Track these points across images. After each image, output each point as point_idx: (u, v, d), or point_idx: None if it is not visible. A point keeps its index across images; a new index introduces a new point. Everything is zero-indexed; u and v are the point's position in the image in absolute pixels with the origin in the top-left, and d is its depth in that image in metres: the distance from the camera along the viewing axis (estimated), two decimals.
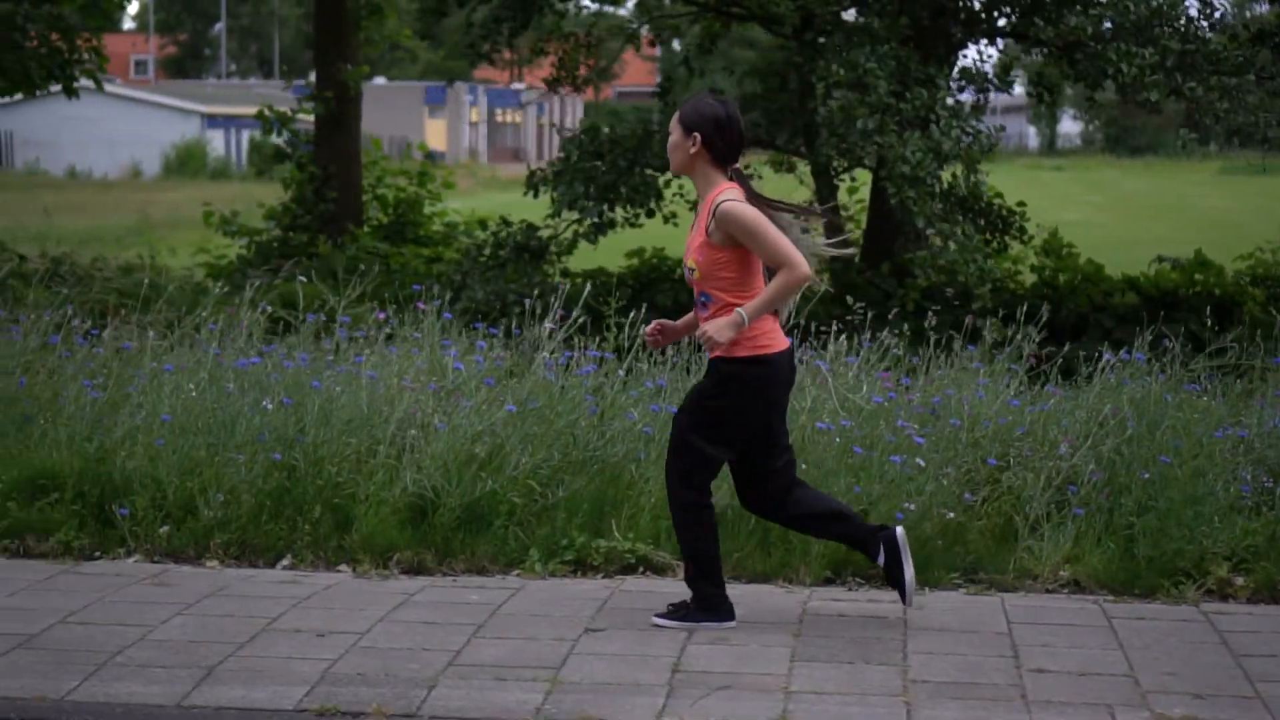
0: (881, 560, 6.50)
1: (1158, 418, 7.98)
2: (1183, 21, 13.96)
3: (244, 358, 8.38)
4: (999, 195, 15.49)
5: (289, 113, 19.53)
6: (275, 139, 19.92)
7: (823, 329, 8.79)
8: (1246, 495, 7.59)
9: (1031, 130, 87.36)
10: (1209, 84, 13.63)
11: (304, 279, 10.42)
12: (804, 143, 15.71)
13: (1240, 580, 7.09)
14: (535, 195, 15.53)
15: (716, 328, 6.22)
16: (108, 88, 20.44)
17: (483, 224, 18.69)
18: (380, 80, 63.94)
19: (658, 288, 15.34)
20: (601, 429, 8.01)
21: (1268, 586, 7.04)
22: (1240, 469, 7.72)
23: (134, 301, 9.95)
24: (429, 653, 6.09)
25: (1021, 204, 16.01)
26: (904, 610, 6.66)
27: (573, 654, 6.10)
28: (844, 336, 8.66)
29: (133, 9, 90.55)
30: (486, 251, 15.58)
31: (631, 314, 8.65)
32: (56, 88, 18.01)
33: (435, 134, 71.55)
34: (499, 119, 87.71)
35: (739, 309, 6.21)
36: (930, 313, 9.50)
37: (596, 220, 14.79)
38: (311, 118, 19.01)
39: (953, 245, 13.41)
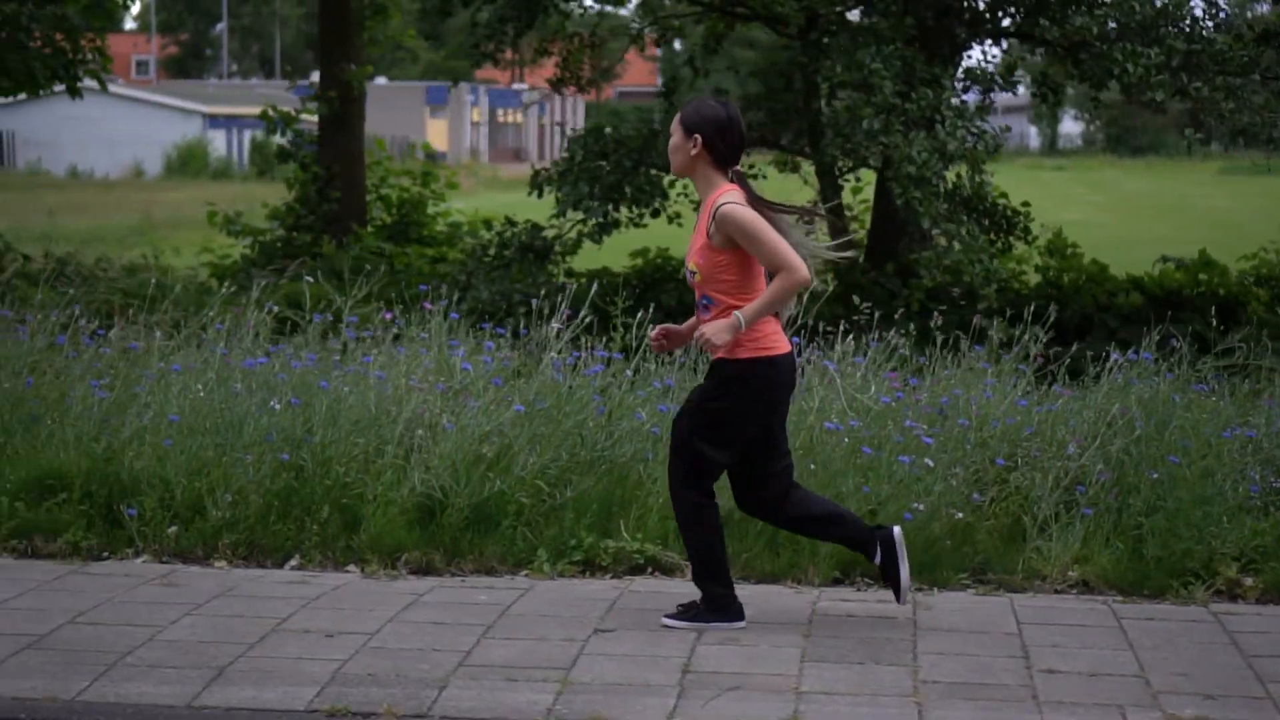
0: (878, 560, 6.51)
1: (1166, 418, 7.99)
2: (1188, 21, 13.95)
3: (251, 358, 8.38)
4: (1004, 195, 15.49)
5: (293, 113, 19.53)
6: (279, 139, 19.93)
7: (829, 329, 8.78)
8: (1255, 496, 7.59)
9: (1033, 130, 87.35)
10: (1214, 84, 13.62)
11: (309, 279, 10.42)
12: (808, 143, 15.70)
13: (1249, 581, 7.08)
14: (540, 195, 15.53)
15: (714, 330, 6.23)
16: (109, 88, 20.44)
17: (487, 224, 18.69)
18: (381, 80, 63.87)
19: (662, 288, 15.32)
20: (609, 429, 8.01)
21: (1277, 587, 7.03)
22: (1249, 469, 7.72)
23: (139, 301, 9.95)
24: (439, 653, 6.08)
25: (1026, 204, 16.01)
26: (912, 611, 6.66)
27: (583, 654, 6.10)
28: (851, 337, 8.66)
29: (134, 9, 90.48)
30: (491, 251, 15.57)
31: (639, 314, 8.65)
32: (59, 88, 18.02)
33: (437, 134, 71.56)
34: (500, 119, 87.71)
35: (736, 312, 6.21)
36: (936, 313, 9.50)
37: (601, 220, 14.78)
38: (315, 118, 19.02)
39: (957, 245, 13.40)
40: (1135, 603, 6.94)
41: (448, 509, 7.44)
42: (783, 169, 16.95)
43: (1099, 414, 8.00)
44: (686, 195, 15.28)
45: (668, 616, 6.49)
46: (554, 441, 7.80)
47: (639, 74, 69.88)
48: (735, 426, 6.35)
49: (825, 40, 14.74)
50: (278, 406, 7.92)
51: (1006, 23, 15.37)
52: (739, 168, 6.40)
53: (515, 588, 7.02)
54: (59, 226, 25.39)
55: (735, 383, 6.31)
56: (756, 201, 6.33)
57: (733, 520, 7.10)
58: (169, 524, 7.50)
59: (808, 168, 16.55)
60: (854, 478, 7.54)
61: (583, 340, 8.59)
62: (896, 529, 6.53)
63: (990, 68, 14.70)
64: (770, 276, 6.27)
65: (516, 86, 79.03)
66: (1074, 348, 9.29)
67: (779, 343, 6.35)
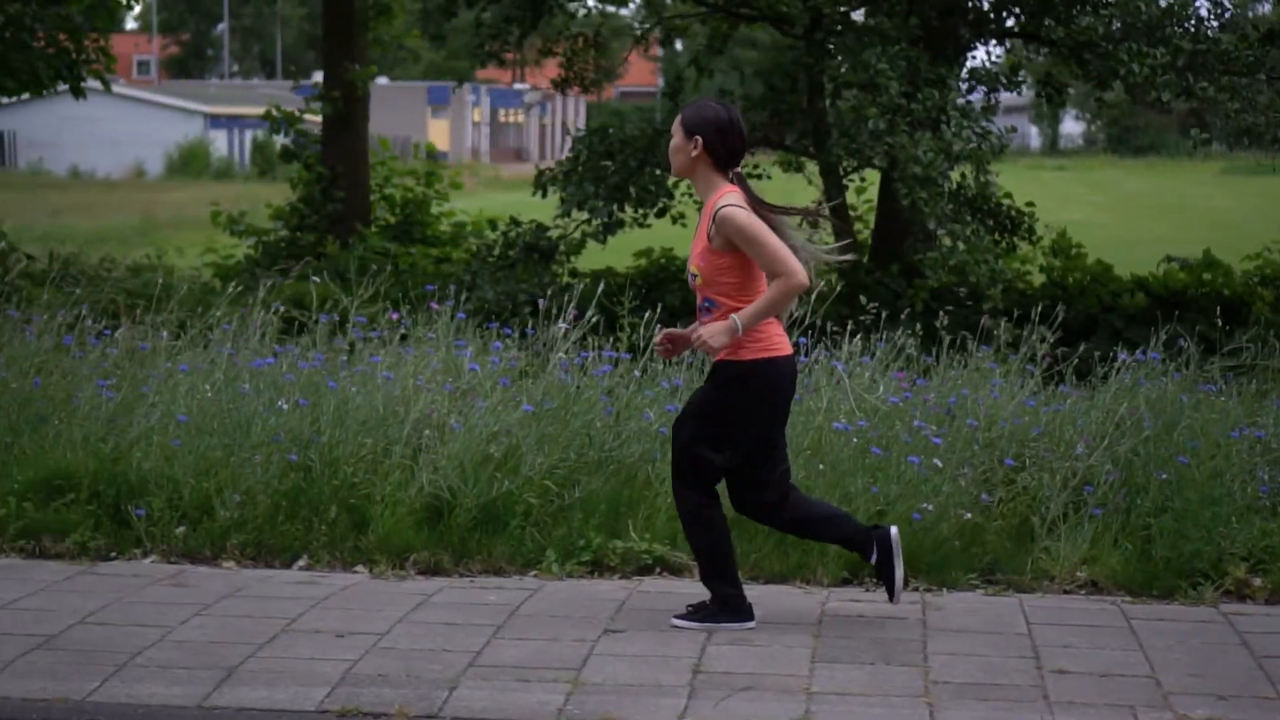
0: (874, 559, 6.51)
1: (1174, 418, 7.98)
2: (1193, 21, 13.94)
3: (258, 358, 8.38)
4: (1008, 195, 15.48)
5: (296, 113, 19.53)
6: (282, 139, 19.91)
7: (836, 330, 8.78)
8: (1264, 496, 7.59)
9: (1034, 130, 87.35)
10: (1219, 84, 13.61)
11: (315, 279, 10.41)
12: (813, 143, 15.68)
13: (1258, 581, 7.08)
14: (544, 195, 15.51)
15: (710, 332, 6.23)
16: (111, 87, 20.42)
17: (492, 224, 18.67)
18: (383, 80, 63.81)
19: (666, 288, 15.30)
20: (617, 429, 8.01)
21: None
22: (1257, 469, 7.71)
23: (145, 302, 9.93)
24: (450, 654, 6.08)
25: (1030, 204, 16.00)
26: (922, 611, 6.66)
27: (593, 655, 6.10)
28: (858, 337, 8.66)
29: (136, 8, 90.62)
30: (496, 251, 15.55)
31: (646, 314, 8.65)
32: (61, 88, 18.00)
33: (438, 134, 71.53)
34: (502, 119, 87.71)
35: (733, 315, 6.21)
36: (941, 313, 9.50)
37: (606, 220, 14.77)
38: (317, 118, 19.01)
39: (962, 246, 13.39)
40: (1144, 603, 6.94)
41: (456, 509, 7.44)
42: (787, 169, 16.94)
43: (1107, 414, 8.00)
44: (691, 196, 15.26)
45: (677, 617, 6.48)
46: (562, 442, 7.80)
47: (640, 74, 69.83)
48: (736, 428, 6.34)
49: (830, 40, 14.73)
50: (285, 407, 7.91)
51: (1011, 23, 15.36)
52: (740, 169, 6.40)
53: (524, 588, 7.02)
54: (62, 227, 25.40)
55: (737, 383, 6.31)
56: (757, 204, 6.33)
57: (741, 521, 7.08)
58: (177, 524, 7.50)
59: (812, 168, 16.53)
60: (862, 478, 7.54)
61: (590, 341, 8.59)
62: (893, 529, 6.53)
63: (994, 68, 14.69)
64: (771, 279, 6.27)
65: (518, 86, 79.03)
66: (1080, 348, 9.29)
67: (781, 344, 6.34)
